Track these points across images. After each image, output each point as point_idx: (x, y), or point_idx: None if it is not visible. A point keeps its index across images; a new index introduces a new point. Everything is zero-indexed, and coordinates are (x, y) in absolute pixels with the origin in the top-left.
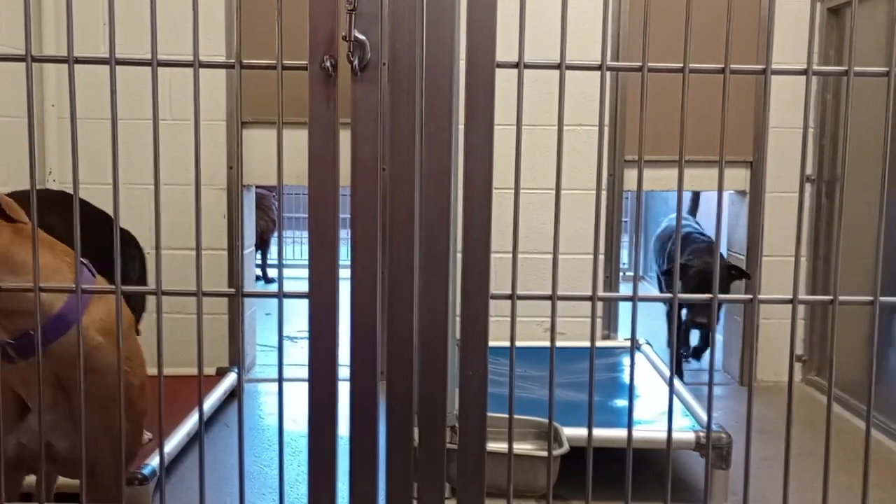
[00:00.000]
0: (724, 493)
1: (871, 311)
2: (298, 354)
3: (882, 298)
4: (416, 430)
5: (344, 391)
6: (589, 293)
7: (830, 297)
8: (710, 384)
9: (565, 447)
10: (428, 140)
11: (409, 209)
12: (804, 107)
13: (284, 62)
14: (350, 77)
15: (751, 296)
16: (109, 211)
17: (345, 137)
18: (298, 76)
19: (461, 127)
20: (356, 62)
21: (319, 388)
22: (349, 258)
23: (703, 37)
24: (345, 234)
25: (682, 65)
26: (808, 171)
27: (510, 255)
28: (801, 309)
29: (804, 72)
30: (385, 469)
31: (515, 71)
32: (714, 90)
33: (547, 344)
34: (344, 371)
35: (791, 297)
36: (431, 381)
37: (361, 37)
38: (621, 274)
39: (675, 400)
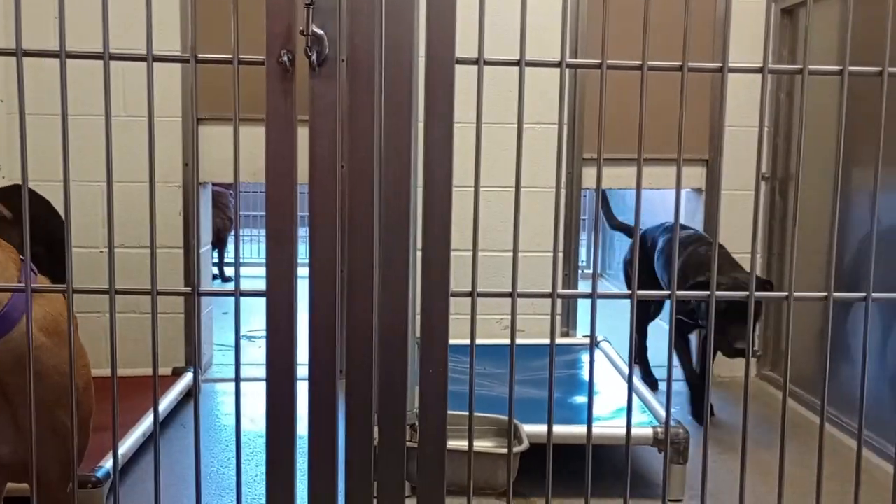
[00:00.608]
0: (681, 487)
1: (824, 306)
2: (257, 353)
3: (836, 294)
4: (375, 429)
5: (303, 390)
6: (548, 290)
7: (786, 294)
8: (669, 380)
9: (525, 444)
10: (387, 136)
11: (369, 206)
12: (760, 105)
13: (241, 57)
14: (308, 72)
15: (708, 293)
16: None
17: (303, 134)
18: (256, 71)
19: (421, 124)
20: (314, 57)
21: (277, 387)
22: (307, 256)
23: (661, 36)
24: (303, 232)
25: (640, 62)
26: (764, 169)
27: (470, 253)
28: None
29: (760, 70)
30: (344, 468)
31: (475, 67)
32: (672, 89)
33: (506, 341)
34: (303, 370)
35: (747, 293)
36: (391, 380)
37: (319, 31)
38: (580, 271)
39: (634, 396)
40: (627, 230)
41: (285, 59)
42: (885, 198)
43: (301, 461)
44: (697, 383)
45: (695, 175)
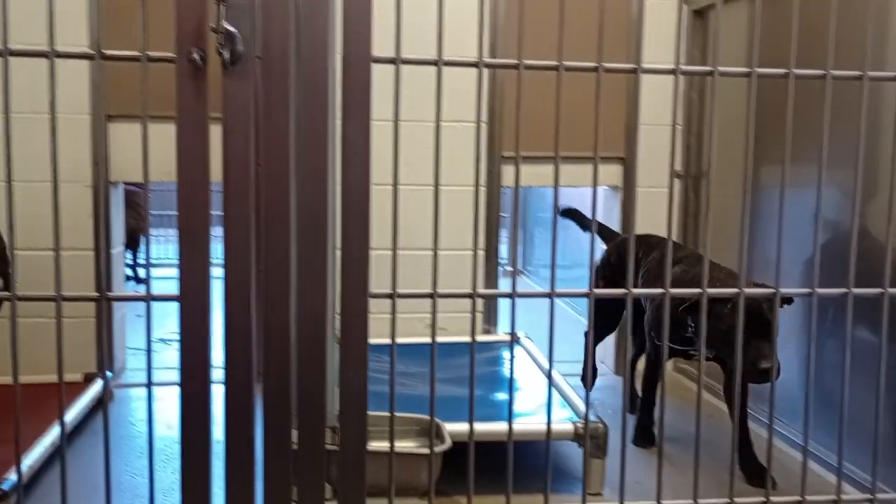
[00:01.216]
0: (601, 480)
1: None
2: (173, 357)
3: (747, 290)
4: (295, 432)
5: (220, 394)
6: (469, 289)
7: (700, 290)
8: (587, 373)
9: (447, 443)
10: (303, 135)
11: (285, 206)
12: (672, 105)
13: (150, 54)
14: (221, 70)
15: (625, 290)
16: None
17: (217, 132)
18: (170, 68)
19: (339, 122)
20: (226, 55)
21: (192, 391)
22: (222, 257)
23: (577, 37)
24: (218, 233)
25: (556, 63)
26: (677, 166)
27: (391, 252)
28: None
29: (672, 71)
30: (263, 472)
31: (393, 66)
32: (589, 89)
33: (428, 340)
34: (220, 373)
35: (662, 290)
36: (310, 382)
37: (231, 28)
38: (501, 269)
39: (554, 392)
40: (603, 234)
41: (196, 56)
42: (793, 194)
43: (218, 467)
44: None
45: (611, 173)
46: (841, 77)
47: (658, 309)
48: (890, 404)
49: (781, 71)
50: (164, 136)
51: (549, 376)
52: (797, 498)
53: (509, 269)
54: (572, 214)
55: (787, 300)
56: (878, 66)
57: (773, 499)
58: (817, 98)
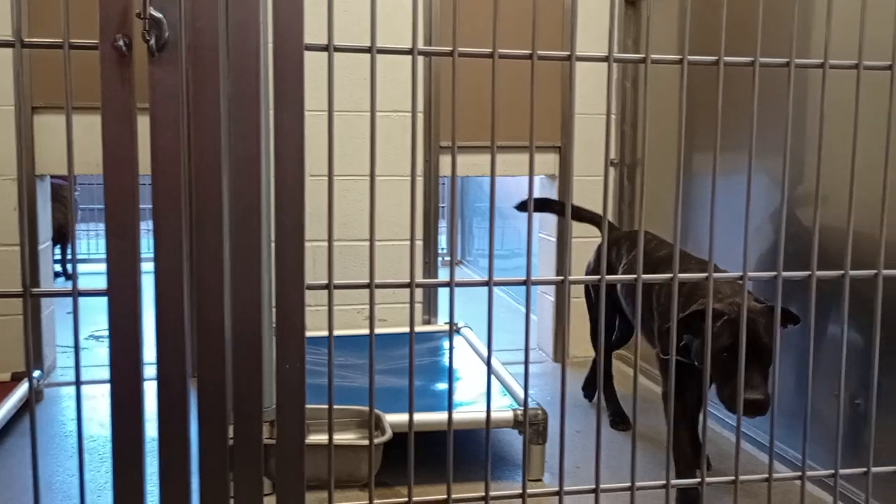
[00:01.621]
0: (541, 466)
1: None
2: (104, 354)
3: (680, 276)
4: (231, 428)
5: (153, 391)
6: (407, 279)
7: (635, 276)
8: (526, 363)
9: (388, 434)
10: (235, 125)
11: (217, 197)
12: (606, 93)
13: (73, 41)
14: (147, 58)
15: (562, 277)
16: None
17: (145, 122)
18: (97, 57)
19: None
20: (153, 42)
21: (123, 389)
22: (152, 251)
23: (512, 26)
24: (147, 226)
25: (491, 51)
26: (612, 155)
27: (330, 243)
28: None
29: (605, 59)
30: (199, 469)
31: (326, 54)
32: (524, 78)
33: (367, 331)
34: (152, 370)
35: (598, 276)
36: (246, 377)
37: (158, 14)
38: (440, 259)
39: (494, 380)
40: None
41: (121, 43)
42: (725, 180)
43: (153, 464)
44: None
45: (548, 162)
46: (768, 64)
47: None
48: (818, 385)
49: (711, 58)
50: (91, 128)
51: (488, 365)
52: (731, 478)
53: (448, 258)
54: (547, 206)
55: (794, 319)
56: (803, 53)
57: (707, 479)
58: (748, 86)
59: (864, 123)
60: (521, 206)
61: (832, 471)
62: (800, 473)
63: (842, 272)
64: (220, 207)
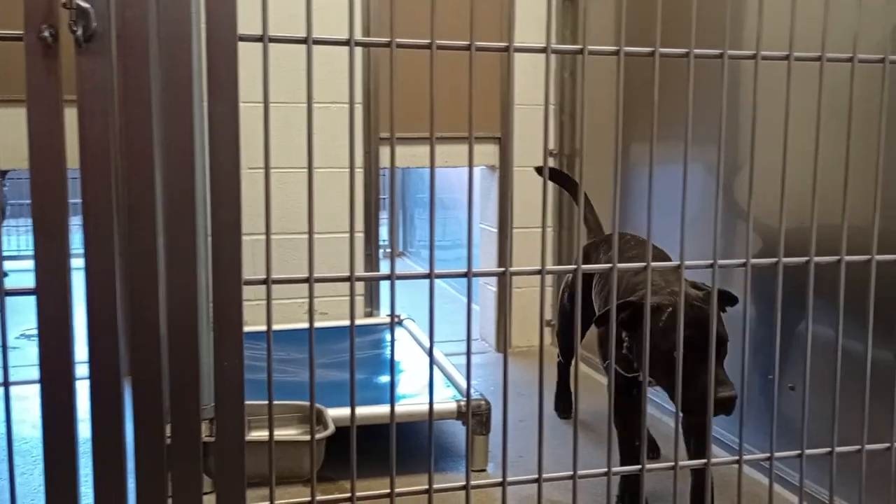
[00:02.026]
0: (485, 457)
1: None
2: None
3: (619, 265)
4: (169, 427)
5: (86, 390)
6: (348, 273)
7: (574, 266)
8: (468, 354)
9: (331, 429)
10: (167, 117)
11: (150, 192)
12: (545, 84)
13: None
14: (74, 49)
15: (503, 269)
16: None
17: (74, 115)
18: (21, 48)
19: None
20: (80, 32)
21: (53, 389)
22: (82, 247)
23: (451, 17)
24: (77, 221)
25: (429, 41)
26: (551, 145)
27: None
28: (548, 278)
29: (543, 50)
30: (135, 470)
31: (261, 45)
32: (464, 69)
33: (308, 325)
34: (85, 369)
35: (539, 267)
36: (183, 374)
37: (85, 4)
38: (382, 251)
39: (437, 372)
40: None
41: (47, 34)
42: (663, 170)
43: (87, 466)
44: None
45: (488, 152)
46: (702, 55)
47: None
48: (754, 371)
49: (647, 50)
50: (18, 121)
51: (430, 356)
52: (671, 464)
53: (390, 251)
54: (559, 177)
55: (732, 301)
56: (736, 45)
57: (648, 465)
58: (684, 77)
59: (798, 112)
60: (539, 170)
61: (768, 454)
62: (737, 458)
63: (743, 261)
64: (153, 202)
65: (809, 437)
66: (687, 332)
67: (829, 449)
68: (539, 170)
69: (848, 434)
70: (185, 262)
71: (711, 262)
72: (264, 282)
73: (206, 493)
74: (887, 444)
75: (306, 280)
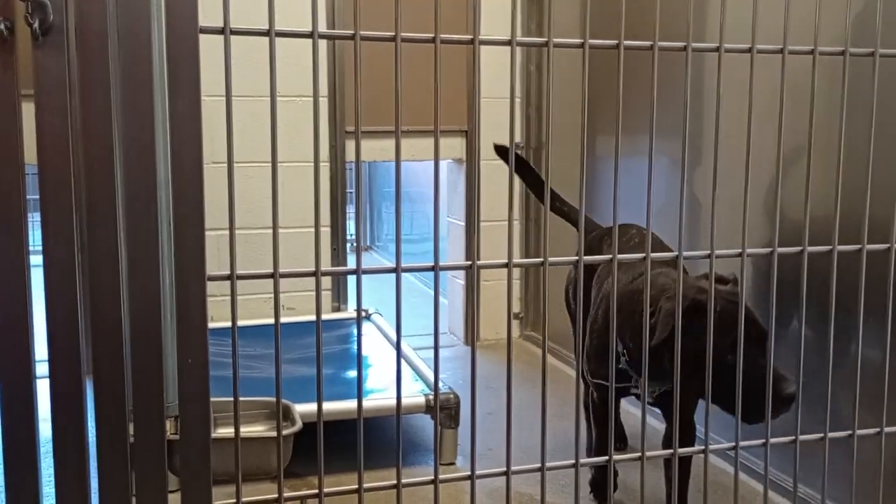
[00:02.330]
0: (454, 450)
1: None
2: None
3: (585, 258)
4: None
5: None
6: (314, 268)
7: (541, 259)
8: (436, 348)
9: (298, 425)
10: (127, 112)
11: (110, 187)
12: (510, 77)
13: None
14: (31, 42)
15: (470, 262)
16: None
17: (30, 110)
18: None
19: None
20: (36, 25)
21: (13, 388)
22: (41, 244)
23: (417, 10)
24: (36, 218)
25: (393, 34)
26: (518, 138)
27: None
28: (516, 271)
29: (508, 42)
30: (98, 469)
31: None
32: (430, 62)
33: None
34: (45, 368)
35: (507, 261)
36: (146, 372)
37: None
38: (349, 245)
39: (405, 366)
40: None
41: (2, 27)
42: (629, 162)
43: (49, 466)
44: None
45: (454, 146)
46: (666, 48)
47: (599, 336)
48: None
49: (612, 42)
50: None
51: (398, 351)
52: (637, 455)
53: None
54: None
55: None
56: (700, 38)
57: (615, 457)
58: (650, 69)
59: (763, 103)
60: (501, 150)
61: (733, 443)
62: (703, 448)
63: (707, 253)
64: (114, 198)
65: (780, 428)
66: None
67: (792, 437)
68: (501, 150)
69: (816, 423)
70: (148, 259)
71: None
72: (228, 277)
73: (171, 492)
74: (849, 432)
75: (271, 275)
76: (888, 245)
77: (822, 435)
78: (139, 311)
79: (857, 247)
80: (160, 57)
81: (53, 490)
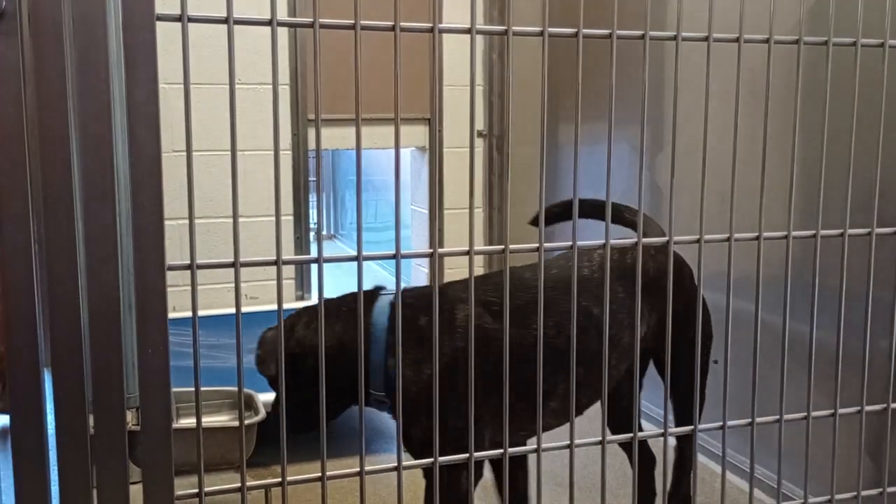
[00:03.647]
0: None
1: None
2: None
3: (546, 245)
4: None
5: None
6: (274, 257)
7: (502, 247)
8: (398, 335)
9: (261, 414)
10: (83, 100)
11: (66, 177)
12: (470, 65)
13: None
14: None
15: (432, 250)
16: None
17: None
18: None
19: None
20: None
21: None
22: None
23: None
24: None
25: (353, 22)
26: (480, 126)
27: (198, 221)
28: (478, 258)
29: (468, 31)
30: (57, 462)
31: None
32: (391, 50)
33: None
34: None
35: (468, 248)
36: (105, 363)
37: None
38: (312, 233)
39: None
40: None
41: None
42: (590, 150)
43: (9, 458)
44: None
45: (417, 134)
46: (625, 36)
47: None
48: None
49: (571, 31)
50: None
51: (360, 339)
52: (598, 439)
53: (323, 232)
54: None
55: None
56: (659, 27)
57: (576, 441)
58: (608, 58)
59: (721, 92)
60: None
61: (692, 427)
62: (662, 431)
63: (696, 238)
64: (71, 187)
65: (737, 411)
66: None
67: (749, 420)
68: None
69: (772, 406)
70: (106, 248)
71: (503, 247)
72: (189, 267)
73: (133, 483)
74: (804, 414)
75: (232, 264)
76: (840, 231)
77: (777, 417)
78: (98, 301)
79: (812, 232)
80: (117, 44)
81: (12, 483)
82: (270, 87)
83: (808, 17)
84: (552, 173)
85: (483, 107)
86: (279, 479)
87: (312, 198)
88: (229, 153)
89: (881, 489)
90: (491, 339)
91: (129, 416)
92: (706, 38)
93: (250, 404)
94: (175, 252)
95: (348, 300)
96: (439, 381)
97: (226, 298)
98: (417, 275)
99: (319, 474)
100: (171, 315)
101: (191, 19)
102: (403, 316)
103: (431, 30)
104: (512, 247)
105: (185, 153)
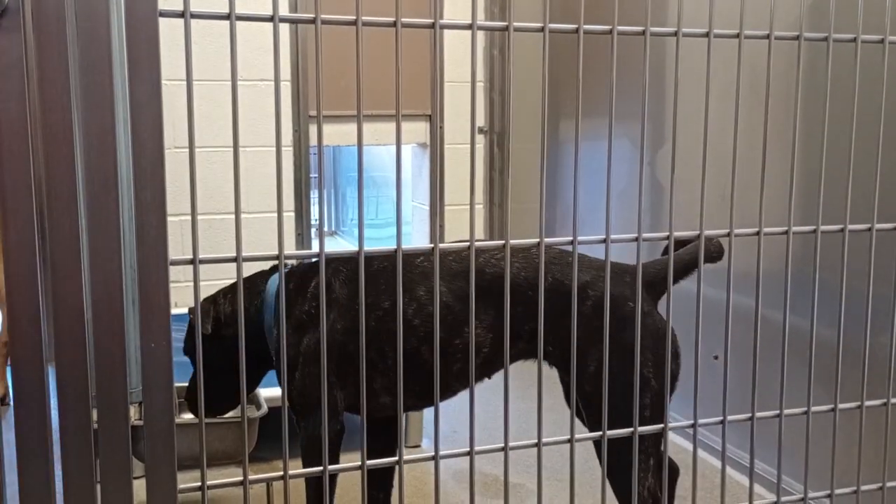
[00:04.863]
0: (419, 432)
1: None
2: None
3: (547, 240)
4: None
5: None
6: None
7: (503, 242)
8: (399, 330)
9: (264, 409)
10: (86, 97)
11: (70, 173)
12: (471, 61)
13: None
14: None
15: (433, 245)
16: None
17: None
18: None
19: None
20: None
21: None
22: (0, 230)
23: None
24: None
25: (355, 18)
26: (481, 123)
27: (199, 217)
28: None
29: (469, 27)
30: (61, 456)
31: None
32: (393, 46)
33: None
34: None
35: (468, 242)
36: (109, 358)
37: None
38: (313, 230)
39: None
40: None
41: None
42: (591, 146)
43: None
44: None
45: (418, 130)
46: (625, 32)
47: None
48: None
49: (572, 27)
50: None
51: (360, 334)
52: (599, 433)
53: (324, 229)
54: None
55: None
56: (660, 23)
57: (577, 436)
58: (611, 54)
59: (721, 88)
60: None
61: (692, 421)
62: (662, 425)
63: (696, 233)
64: (75, 183)
65: (737, 406)
66: None
67: (749, 415)
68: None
69: (772, 402)
70: (109, 244)
71: (504, 242)
72: (191, 262)
73: (136, 478)
74: (804, 409)
75: (234, 259)
76: (853, 226)
77: (777, 412)
78: (101, 296)
79: (812, 228)
80: (119, 40)
81: (16, 479)
82: (272, 83)
83: (809, 12)
84: (553, 169)
85: (484, 103)
86: (281, 473)
87: (314, 194)
88: (231, 149)
89: (881, 484)
90: (342, 306)
91: (133, 411)
92: (707, 34)
93: (252, 399)
94: (177, 247)
95: (253, 279)
96: (310, 345)
97: None
98: None
99: (321, 468)
100: (173, 311)
101: (193, 15)
102: (288, 286)
103: (432, 26)
104: (512, 242)
105: (187, 149)
